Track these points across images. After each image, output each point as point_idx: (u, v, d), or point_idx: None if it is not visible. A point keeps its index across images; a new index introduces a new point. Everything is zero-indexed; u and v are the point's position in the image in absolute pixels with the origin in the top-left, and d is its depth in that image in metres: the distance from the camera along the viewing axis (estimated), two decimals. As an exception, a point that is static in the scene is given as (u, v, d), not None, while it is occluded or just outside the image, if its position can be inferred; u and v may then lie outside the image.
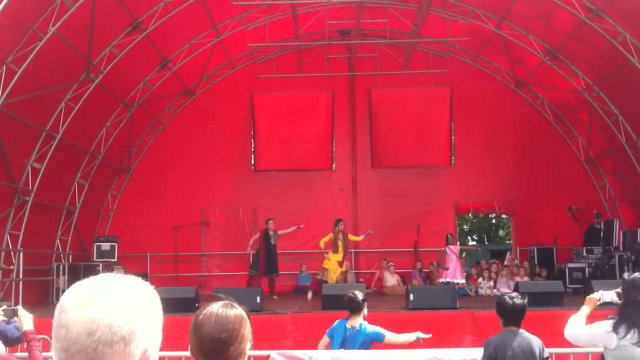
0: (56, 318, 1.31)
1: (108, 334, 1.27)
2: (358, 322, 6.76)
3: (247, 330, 2.34)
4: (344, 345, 6.73)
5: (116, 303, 1.31)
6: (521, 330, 5.12)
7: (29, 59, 11.53)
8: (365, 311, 6.86)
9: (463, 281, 15.27)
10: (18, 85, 11.48)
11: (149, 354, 1.36)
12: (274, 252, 15.14)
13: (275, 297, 14.52)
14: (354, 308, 6.77)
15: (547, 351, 5.17)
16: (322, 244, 14.47)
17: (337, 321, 6.99)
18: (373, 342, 6.80)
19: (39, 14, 11.47)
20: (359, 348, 6.74)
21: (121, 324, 1.29)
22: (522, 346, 5.00)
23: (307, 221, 17.49)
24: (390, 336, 6.81)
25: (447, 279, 15.18)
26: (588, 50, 15.44)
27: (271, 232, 15.07)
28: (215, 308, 2.34)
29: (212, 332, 2.27)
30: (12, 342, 5.40)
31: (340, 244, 14.50)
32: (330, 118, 19.12)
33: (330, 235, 14.52)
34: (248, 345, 2.34)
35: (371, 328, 6.80)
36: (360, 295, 6.84)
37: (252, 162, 19.09)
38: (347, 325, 6.77)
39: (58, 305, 1.33)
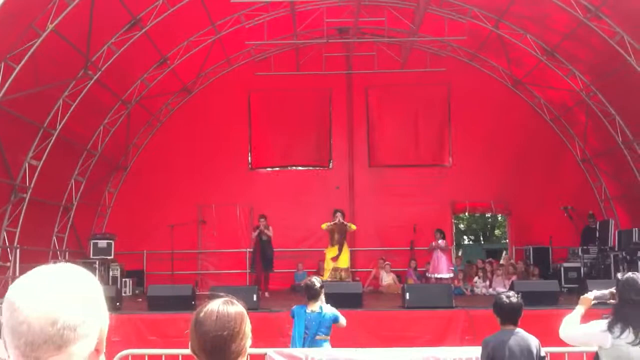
0: (9, 317, 1.38)
1: (70, 319, 1.36)
2: (318, 305, 7.19)
3: (248, 327, 2.36)
4: (307, 327, 7.14)
5: (67, 290, 1.40)
6: (518, 330, 5.15)
7: (27, 56, 11.54)
8: (322, 297, 7.29)
9: (448, 276, 15.39)
10: (16, 81, 11.48)
11: (104, 331, 1.47)
12: (267, 248, 15.20)
13: (266, 294, 14.50)
14: (312, 295, 7.22)
15: (544, 350, 5.21)
16: (323, 226, 14.35)
17: (295, 307, 7.42)
18: (332, 322, 7.24)
19: (38, 10, 11.46)
20: (320, 328, 7.14)
21: (78, 308, 1.39)
22: (520, 345, 5.04)
23: (304, 219, 17.56)
24: (342, 320, 7.28)
25: (432, 275, 15.44)
26: (585, 50, 15.47)
27: (262, 228, 15.16)
28: (216, 305, 2.35)
29: (213, 330, 2.29)
30: None
31: (336, 236, 14.17)
32: (327, 116, 19.15)
33: (329, 223, 14.29)
34: (249, 342, 2.36)
35: (330, 311, 7.23)
36: (317, 283, 7.29)
37: (249, 160, 19.10)
38: (307, 310, 7.18)
39: (6, 306, 1.39)
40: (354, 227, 14.63)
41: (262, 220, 15.25)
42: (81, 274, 1.46)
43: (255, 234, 15.31)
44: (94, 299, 1.44)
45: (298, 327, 7.18)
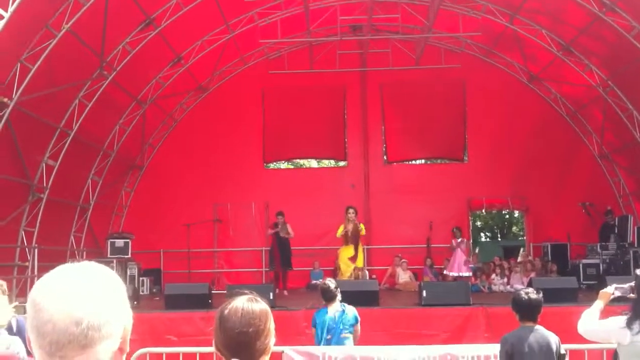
0: (34, 317, 1.38)
1: (95, 319, 1.36)
2: (339, 306, 7.19)
3: (272, 325, 2.35)
4: (330, 329, 7.13)
5: (91, 290, 1.39)
6: (538, 327, 5.10)
7: (42, 56, 11.60)
8: (339, 297, 7.26)
9: (467, 274, 15.32)
10: (32, 82, 11.55)
11: (128, 330, 1.47)
12: (285, 245, 15.20)
13: (285, 292, 14.51)
14: (329, 297, 7.23)
15: (563, 347, 5.15)
16: (338, 234, 13.93)
17: (315, 313, 7.43)
18: (354, 323, 7.25)
19: (53, 11, 11.53)
20: (344, 327, 7.14)
21: (103, 308, 1.39)
22: (539, 342, 4.99)
23: (319, 218, 17.53)
24: (359, 327, 7.32)
25: (450, 273, 15.37)
26: (602, 45, 15.33)
27: (280, 225, 15.14)
28: (241, 303, 2.34)
29: (238, 327, 2.27)
30: None
31: (349, 235, 13.80)
32: (341, 114, 19.12)
33: (342, 226, 13.92)
34: (273, 340, 2.35)
35: (352, 312, 7.23)
36: (332, 284, 7.31)
37: (263, 153, 19.01)
38: (329, 314, 7.16)
39: (30, 305, 1.39)
40: (363, 232, 14.22)
41: (280, 217, 15.22)
42: (105, 273, 1.46)
43: (271, 232, 15.28)
44: (118, 298, 1.45)
45: (321, 332, 7.16)
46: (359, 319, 7.28)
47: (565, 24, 15.49)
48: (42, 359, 1.37)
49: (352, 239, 13.89)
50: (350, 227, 13.86)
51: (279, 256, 15.12)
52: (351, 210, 14.03)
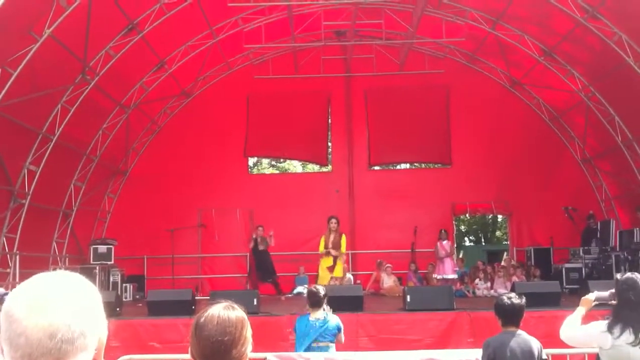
0: (7, 329, 1.37)
1: (68, 332, 1.36)
2: (321, 314, 7.08)
3: (249, 332, 2.34)
4: (310, 336, 7.00)
5: (66, 301, 1.38)
6: (520, 331, 5.12)
7: (24, 61, 11.51)
8: (324, 306, 7.15)
9: (453, 277, 15.39)
10: (14, 87, 11.45)
11: (102, 341, 1.47)
12: (264, 258, 15.13)
13: (282, 297, 14.47)
14: (314, 302, 7.10)
15: (545, 352, 5.17)
16: (321, 249, 13.45)
17: (297, 319, 7.30)
18: (336, 332, 7.10)
19: (35, 15, 11.44)
20: (324, 336, 7.02)
21: (77, 320, 1.38)
22: (522, 347, 5.00)
23: (304, 223, 17.51)
24: (342, 335, 7.17)
25: (436, 276, 15.47)
26: (584, 51, 15.47)
27: (259, 239, 15.09)
28: (217, 310, 2.33)
29: (214, 335, 2.26)
30: None
31: (329, 248, 13.37)
32: (326, 119, 19.13)
33: (323, 239, 13.56)
34: (249, 347, 2.34)
35: (335, 321, 7.10)
36: (322, 291, 7.20)
37: (244, 151, 18.94)
38: (310, 319, 7.06)
39: (4, 316, 1.39)
40: (343, 249, 13.65)
41: (260, 229, 15.22)
42: (80, 283, 1.45)
43: (251, 244, 15.19)
44: (93, 309, 1.44)
45: (299, 339, 7.07)
46: (341, 327, 7.19)
47: (548, 30, 15.61)
48: None
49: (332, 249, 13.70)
50: (331, 238, 13.64)
51: (256, 269, 15.08)
52: (333, 221, 13.72)
